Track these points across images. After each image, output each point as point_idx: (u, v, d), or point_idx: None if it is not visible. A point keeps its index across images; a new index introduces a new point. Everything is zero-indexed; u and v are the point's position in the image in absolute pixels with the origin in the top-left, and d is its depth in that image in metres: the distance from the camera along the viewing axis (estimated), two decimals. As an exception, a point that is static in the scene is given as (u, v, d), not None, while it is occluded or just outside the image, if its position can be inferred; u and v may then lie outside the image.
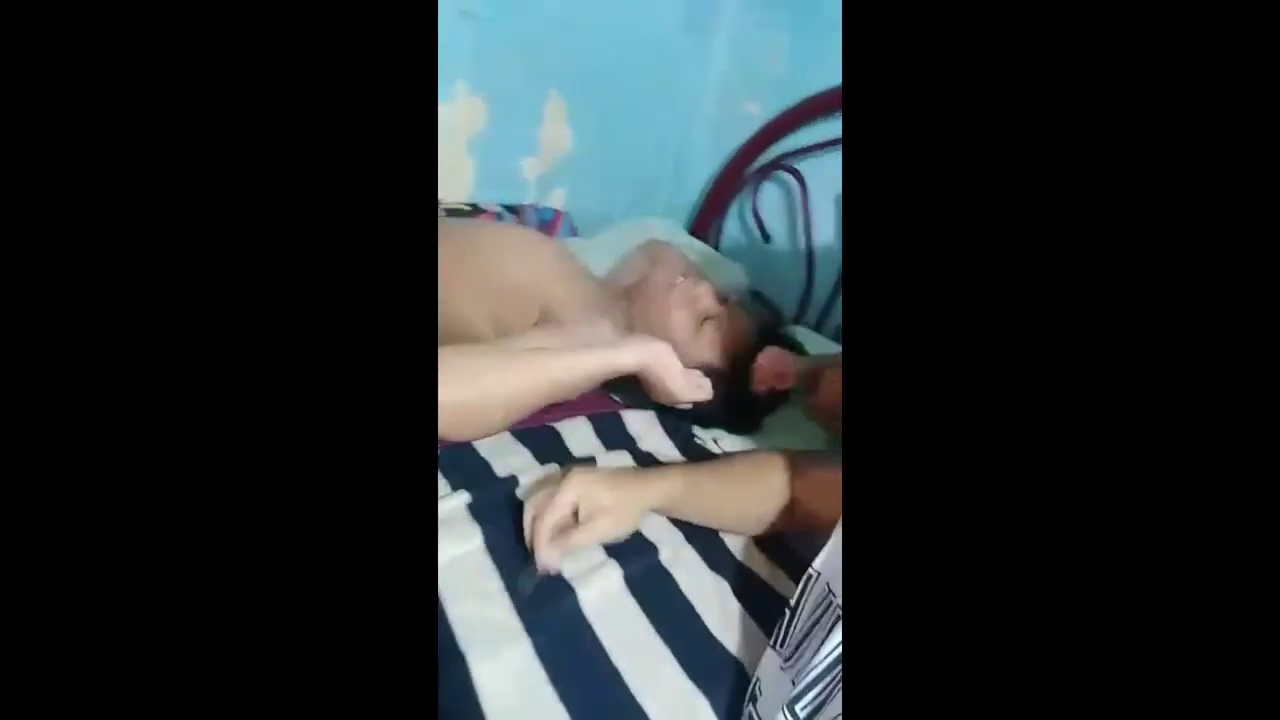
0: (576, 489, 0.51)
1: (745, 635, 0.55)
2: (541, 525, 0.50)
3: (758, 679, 0.47)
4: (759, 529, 0.61)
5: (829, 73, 1.04)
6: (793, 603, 0.45)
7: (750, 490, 0.59)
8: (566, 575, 0.54)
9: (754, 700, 0.46)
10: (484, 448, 0.67)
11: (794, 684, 0.41)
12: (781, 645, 0.45)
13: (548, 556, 0.49)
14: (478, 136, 1.02)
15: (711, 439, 0.79)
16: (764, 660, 0.46)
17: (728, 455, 0.60)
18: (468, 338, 0.74)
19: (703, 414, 0.78)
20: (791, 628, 0.45)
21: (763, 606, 0.56)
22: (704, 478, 0.57)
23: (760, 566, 0.62)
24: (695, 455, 0.75)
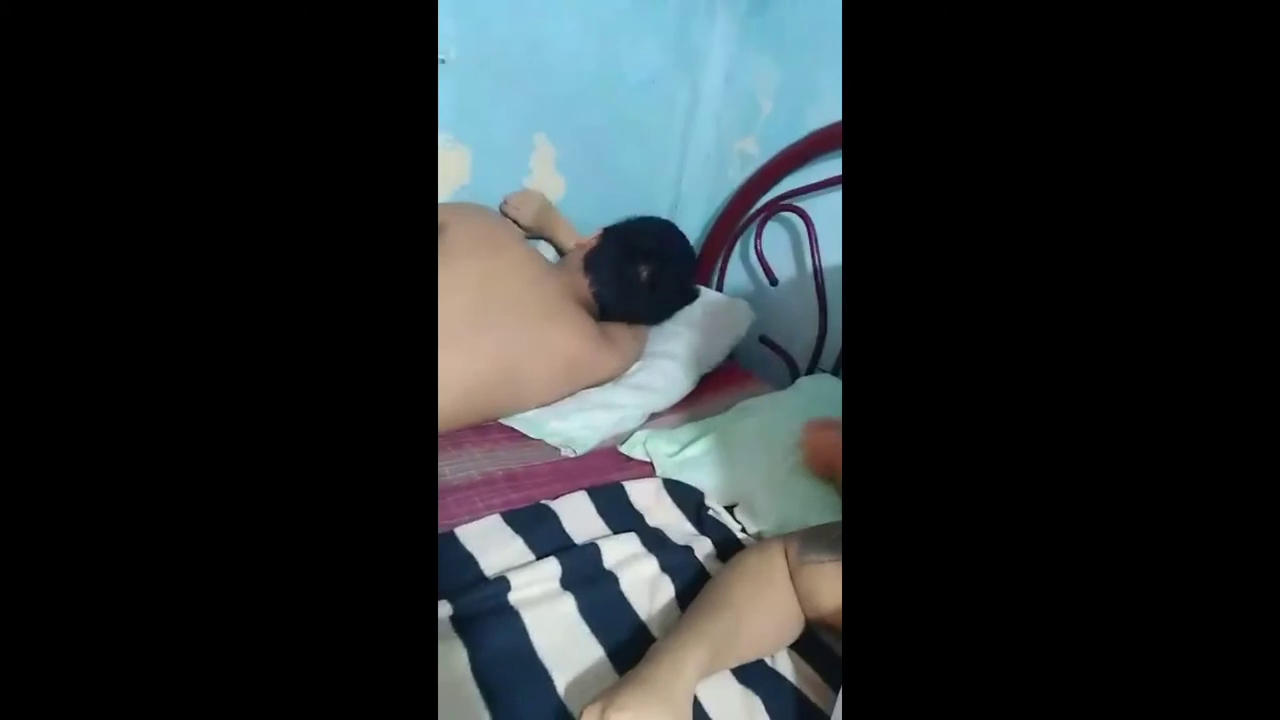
0: None
1: None
2: None
3: None
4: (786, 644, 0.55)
5: (824, 108, 0.99)
6: None
7: (763, 631, 0.52)
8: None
9: None
10: (470, 538, 0.59)
11: None
12: None
13: None
14: (463, 187, 0.96)
15: (724, 508, 0.71)
16: None
17: (722, 585, 0.53)
18: None
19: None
20: None
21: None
22: (719, 638, 0.48)
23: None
24: (708, 529, 0.67)
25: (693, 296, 0.98)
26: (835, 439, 0.71)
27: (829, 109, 0.99)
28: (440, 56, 0.86)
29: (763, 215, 1.08)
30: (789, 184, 1.05)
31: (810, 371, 1.04)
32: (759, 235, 1.10)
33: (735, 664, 0.50)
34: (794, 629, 0.53)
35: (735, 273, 1.18)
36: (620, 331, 0.89)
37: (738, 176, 1.13)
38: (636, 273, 0.87)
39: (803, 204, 1.03)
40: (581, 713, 0.39)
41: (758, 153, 1.11)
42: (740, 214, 1.11)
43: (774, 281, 1.10)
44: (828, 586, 0.51)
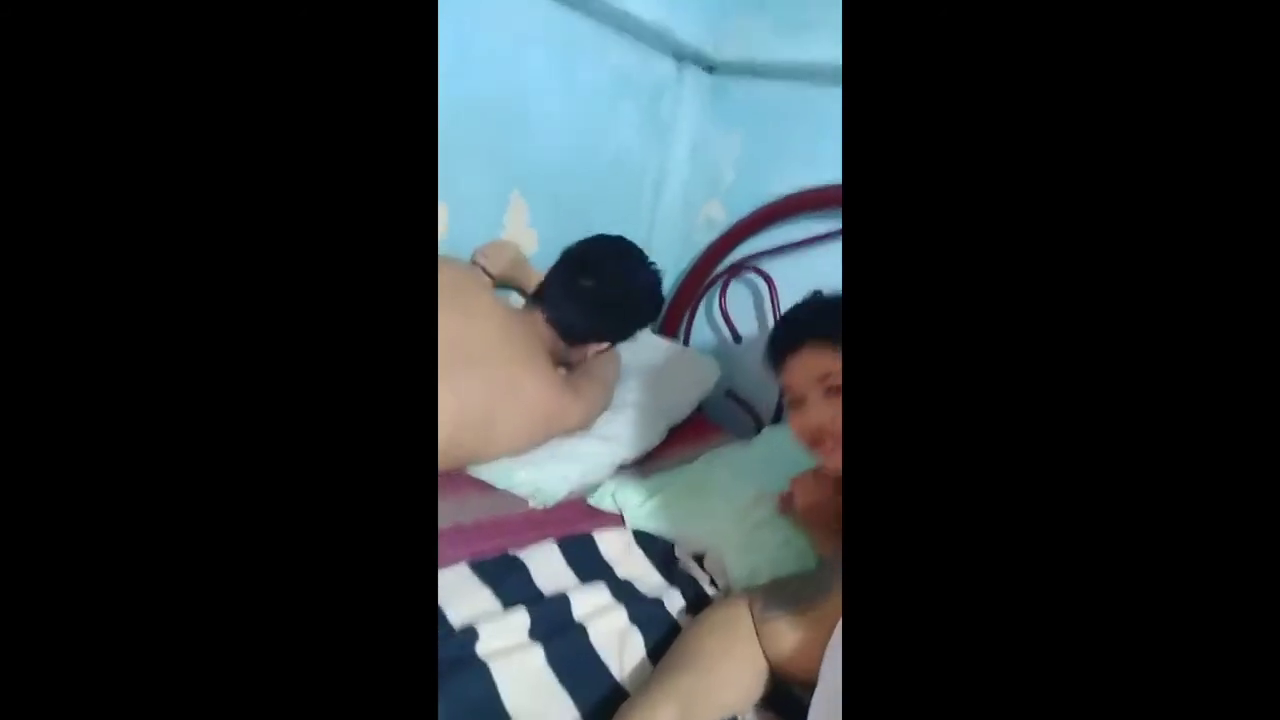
0: None
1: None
2: None
3: None
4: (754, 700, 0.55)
5: (785, 177, 1.07)
6: None
7: (732, 687, 0.52)
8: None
9: None
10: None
11: None
12: None
13: None
14: (439, 242, 0.99)
15: (692, 558, 0.72)
16: None
17: (691, 640, 0.54)
18: None
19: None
20: None
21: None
22: (688, 696, 0.48)
23: None
24: (678, 581, 0.67)
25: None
26: (819, 486, 0.72)
27: (789, 178, 1.06)
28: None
29: (726, 276, 1.14)
30: (751, 247, 1.11)
31: (776, 421, 1.07)
32: (723, 295, 1.15)
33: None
34: (761, 685, 0.54)
35: (700, 330, 1.22)
36: (586, 383, 0.90)
37: (703, 239, 1.19)
38: (581, 286, 0.87)
39: (765, 266, 1.09)
40: None
41: (723, 217, 1.18)
42: (705, 275, 1.17)
43: (738, 339, 1.14)
44: (791, 640, 0.52)
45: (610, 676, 0.53)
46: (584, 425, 0.88)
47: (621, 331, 0.93)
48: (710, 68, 1.18)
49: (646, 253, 0.95)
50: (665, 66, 1.16)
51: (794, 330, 0.67)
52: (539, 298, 0.89)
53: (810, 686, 0.46)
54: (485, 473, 0.79)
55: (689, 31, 1.08)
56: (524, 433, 0.81)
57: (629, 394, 0.97)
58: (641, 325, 0.95)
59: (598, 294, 0.87)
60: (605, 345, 0.93)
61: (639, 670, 0.55)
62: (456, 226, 1.00)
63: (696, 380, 1.05)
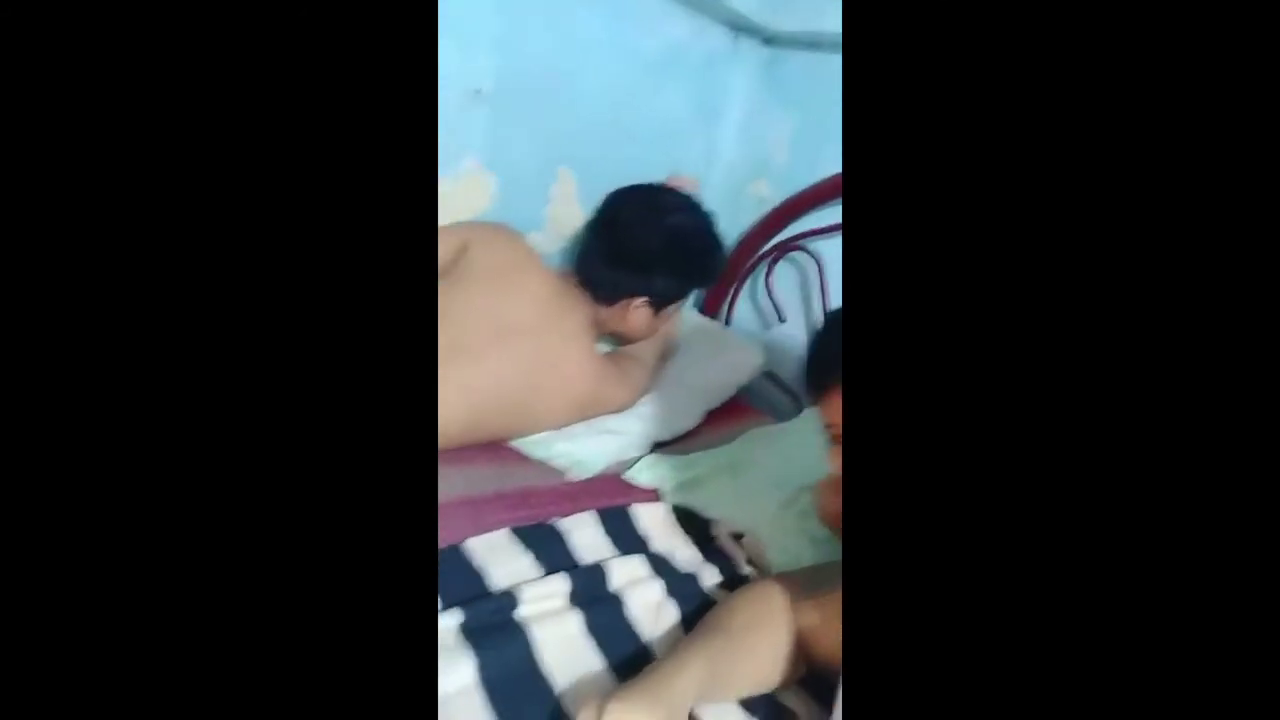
0: None
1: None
2: None
3: None
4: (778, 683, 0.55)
5: (838, 156, 1.04)
6: None
7: (761, 657, 0.53)
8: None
9: None
10: (478, 553, 0.59)
11: None
12: None
13: None
14: (484, 213, 0.99)
15: (728, 536, 0.72)
16: None
17: (723, 612, 0.54)
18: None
19: None
20: None
21: None
22: (716, 657, 0.49)
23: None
24: (713, 557, 0.68)
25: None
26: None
27: (839, 159, 1.03)
28: (476, 87, 0.90)
29: (774, 255, 1.12)
30: (799, 226, 1.08)
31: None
32: (769, 274, 1.13)
33: (734, 693, 0.50)
34: (792, 664, 0.54)
35: (744, 309, 1.21)
36: (629, 363, 0.90)
37: (750, 217, 1.17)
38: (601, 245, 0.85)
39: (813, 246, 1.06)
40: (578, 713, 0.39)
41: (771, 195, 1.15)
42: (751, 253, 1.15)
43: (782, 318, 1.12)
44: (820, 622, 0.52)
45: (645, 646, 0.55)
46: (625, 407, 0.89)
47: (651, 285, 0.85)
48: (767, 39, 1.14)
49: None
50: (720, 37, 1.13)
51: (835, 362, 0.61)
52: (575, 269, 0.88)
53: (839, 670, 0.46)
54: (524, 444, 0.81)
55: (745, 0, 1.05)
56: (561, 412, 0.82)
57: (670, 373, 0.97)
58: (683, 277, 0.87)
59: (618, 245, 0.83)
60: (642, 302, 0.87)
61: (674, 641, 0.56)
62: (503, 197, 1.00)
63: (738, 367, 1.04)
